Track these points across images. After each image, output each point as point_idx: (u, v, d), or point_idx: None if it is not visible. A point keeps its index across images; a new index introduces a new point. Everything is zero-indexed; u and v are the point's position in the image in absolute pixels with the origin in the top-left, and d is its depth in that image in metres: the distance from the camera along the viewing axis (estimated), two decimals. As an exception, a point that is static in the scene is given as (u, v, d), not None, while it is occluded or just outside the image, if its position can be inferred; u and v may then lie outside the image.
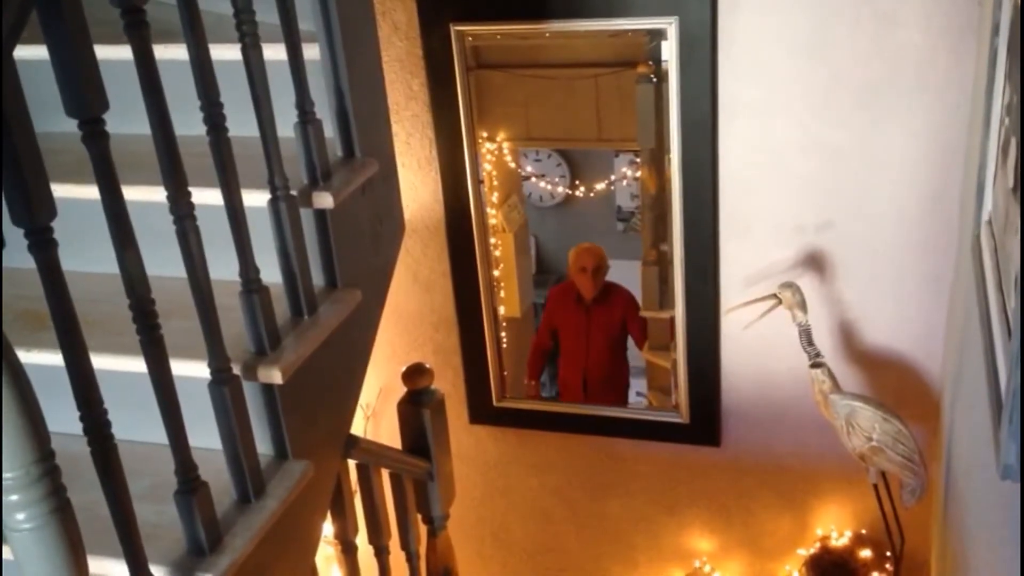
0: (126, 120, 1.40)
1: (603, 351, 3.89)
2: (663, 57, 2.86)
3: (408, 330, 3.38)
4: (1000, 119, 1.73)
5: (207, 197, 1.44)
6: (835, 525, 3.23)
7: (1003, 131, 1.65)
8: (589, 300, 3.84)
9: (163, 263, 1.45)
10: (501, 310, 3.41)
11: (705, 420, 3.18)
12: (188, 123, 1.41)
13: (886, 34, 2.54)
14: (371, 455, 1.88)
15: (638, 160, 4.07)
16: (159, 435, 1.48)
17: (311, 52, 1.66)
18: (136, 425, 1.49)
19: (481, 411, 3.42)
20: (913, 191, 2.69)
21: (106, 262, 1.32)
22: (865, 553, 3.15)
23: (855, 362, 2.92)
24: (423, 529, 2.21)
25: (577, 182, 5.15)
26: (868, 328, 2.89)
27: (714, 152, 2.78)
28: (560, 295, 4.02)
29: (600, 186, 4.83)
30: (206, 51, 1.37)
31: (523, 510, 3.60)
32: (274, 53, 1.57)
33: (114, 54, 1.41)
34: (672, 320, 3.14)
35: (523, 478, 3.54)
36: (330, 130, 1.71)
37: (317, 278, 1.68)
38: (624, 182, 4.80)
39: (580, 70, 4.12)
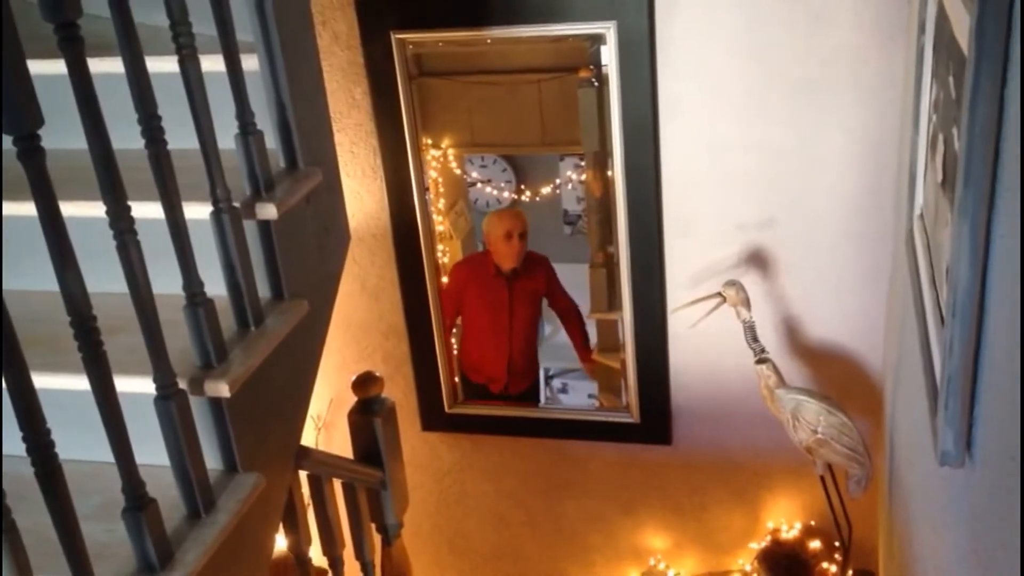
0: (65, 135, 1.38)
1: (528, 328, 3.64)
2: (603, 61, 2.90)
3: (357, 339, 3.37)
4: (928, 115, 1.78)
5: (149, 211, 1.43)
6: (785, 518, 3.29)
7: (931, 127, 1.70)
8: (509, 271, 3.59)
9: (107, 279, 1.44)
10: (450, 316, 3.42)
11: (656, 419, 3.21)
12: (128, 137, 1.40)
13: (819, 34, 2.60)
14: (323, 466, 1.87)
15: (583, 163, 4.10)
16: (106, 453, 1.47)
17: (250, 63, 1.66)
18: (82, 444, 1.47)
19: (433, 418, 3.42)
20: (850, 186, 2.75)
21: (46, 279, 1.30)
22: (815, 544, 3.20)
23: (799, 357, 2.98)
24: (377, 539, 2.21)
25: (523, 187, 5.17)
26: (811, 323, 2.95)
27: (656, 153, 2.81)
28: (472, 270, 3.68)
29: (546, 190, 4.85)
30: (142, 64, 1.36)
31: (479, 516, 3.61)
32: (213, 64, 1.56)
33: (49, 69, 1.39)
34: (621, 321, 3.17)
35: (478, 483, 3.54)
36: (272, 141, 1.71)
37: (263, 290, 1.67)
38: (569, 186, 4.83)
39: (523, 76, 4.14)
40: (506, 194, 5.21)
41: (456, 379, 3.46)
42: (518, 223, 3.64)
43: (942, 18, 1.58)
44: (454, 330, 3.59)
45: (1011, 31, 1.08)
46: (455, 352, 3.49)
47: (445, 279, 3.40)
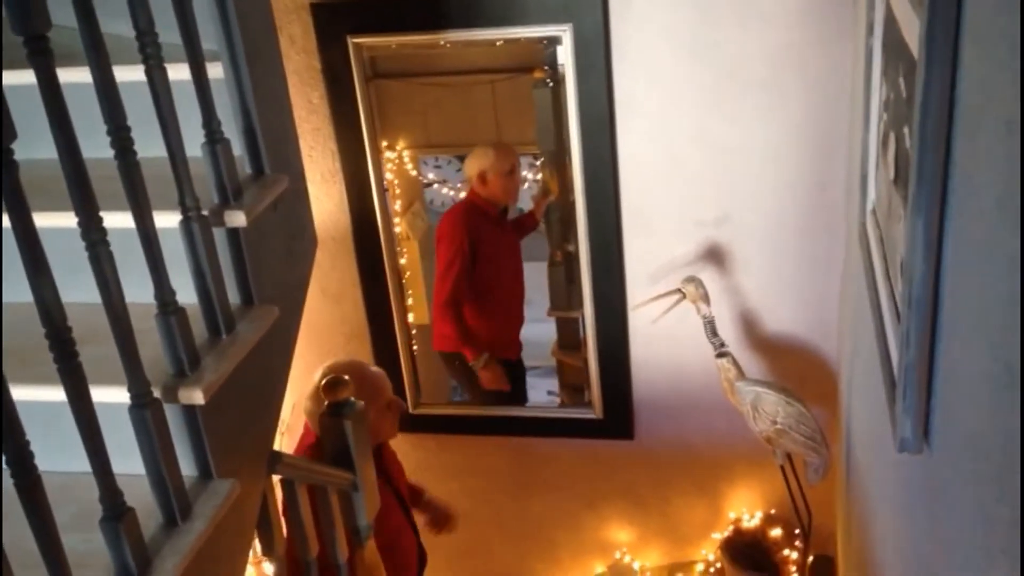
0: (33, 146, 1.38)
1: (522, 276, 3.40)
2: (560, 62, 2.93)
3: (319, 343, 3.37)
4: (879, 114, 1.84)
5: (119, 220, 1.43)
6: (746, 507, 3.36)
7: (882, 126, 1.76)
8: (502, 210, 3.37)
9: (70, 289, 1.43)
10: (410, 317, 3.43)
11: (618, 414, 3.26)
12: (96, 146, 1.40)
13: (769, 34, 2.66)
14: (295, 470, 1.88)
15: (538, 163, 4.14)
16: (77, 464, 1.47)
17: (216, 71, 1.66)
18: (52, 455, 1.46)
19: (398, 419, 3.42)
20: (801, 182, 2.82)
21: (18, 291, 1.30)
22: (776, 532, 3.28)
23: (757, 350, 3.04)
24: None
25: (479, 186, 5.19)
26: (768, 316, 3.02)
27: (614, 152, 2.86)
28: (472, 218, 3.40)
29: (502, 189, 4.86)
30: (111, 77, 1.36)
31: (444, 515, 3.63)
32: (179, 73, 1.56)
33: (17, 79, 1.38)
34: (581, 319, 3.22)
35: (443, 483, 3.56)
36: (238, 148, 1.71)
37: (233, 296, 1.68)
38: (526, 185, 4.86)
39: (477, 76, 4.17)
40: (463, 194, 5.23)
41: (419, 379, 3.47)
42: (515, 155, 3.43)
43: (890, 21, 1.63)
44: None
45: (959, 36, 1.13)
46: (415, 353, 3.48)
47: (403, 279, 3.41)
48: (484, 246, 3.40)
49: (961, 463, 1.18)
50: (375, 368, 2.52)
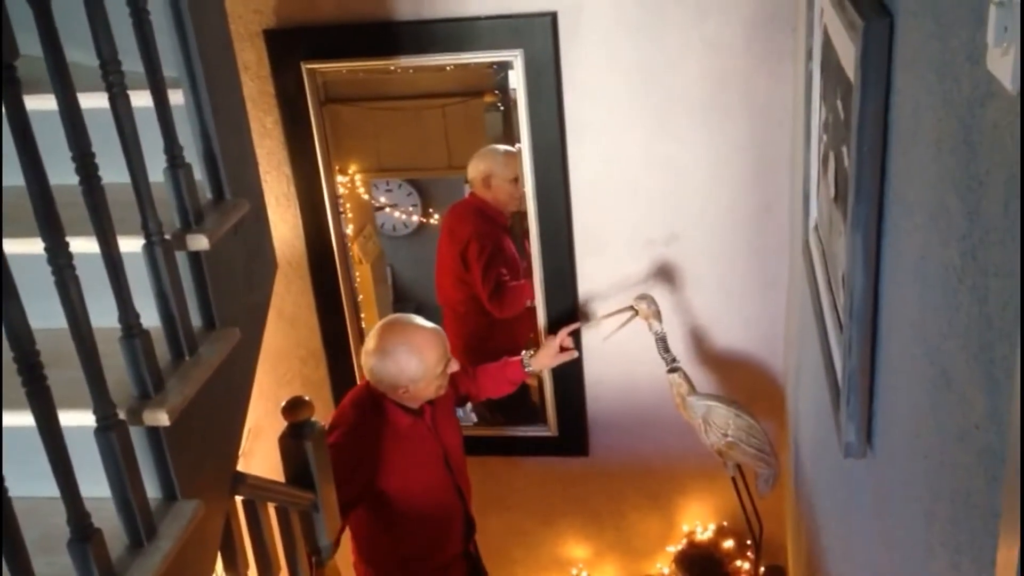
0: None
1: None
2: (511, 86, 2.99)
3: (275, 367, 3.38)
4: (819, 135, 1.92)
5: (84, 245, 1.45)
6: (699, 520, 3.42)
7: (822, 146, 1.85)
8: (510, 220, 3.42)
9: (38, 316, 1.45)
10: (366, 341, 3.44)
11: (573, 431, 3.31)
12: (61, 172, 1.42)
13: (713, 58, 2.75)
14: (258, 490, 1.90)
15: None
16: (39, 488, 1.49)
17: (176, 98, 1.69)
18: (12, 480, 1.47)
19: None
20: (746, 202, 2.91)
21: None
22: (728, 543, 3.35)
23: (708, 365, 3.12)
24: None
25: (431, 210, 5.24)
26: (717, 332, 3.09)
27: (565, 174, 2.92)
28: (481, 224, 3.40)
29: (454, 212, 4.91)
30: (75, 102, 1.39)
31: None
32: (139, 100, 1.59)
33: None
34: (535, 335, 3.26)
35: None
36: (199, 172, 1.74)
37: (195, 319, 1.70)
38: (477, 207, 4.90)
39: (428, 101, 4.22)
40: (415, 218, 5.27)
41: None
42: (519, 162, 3.21)
43: (828, 46, 1.72)
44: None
45: (892, 61, 1.20)
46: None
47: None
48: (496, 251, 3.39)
49: (902, 464, 1.24)
50: (428, 326, 2.61)
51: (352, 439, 2.54)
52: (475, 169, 3.49)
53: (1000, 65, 0.71)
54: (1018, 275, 0.71)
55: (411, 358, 2.52)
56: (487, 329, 3.47)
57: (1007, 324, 0.77)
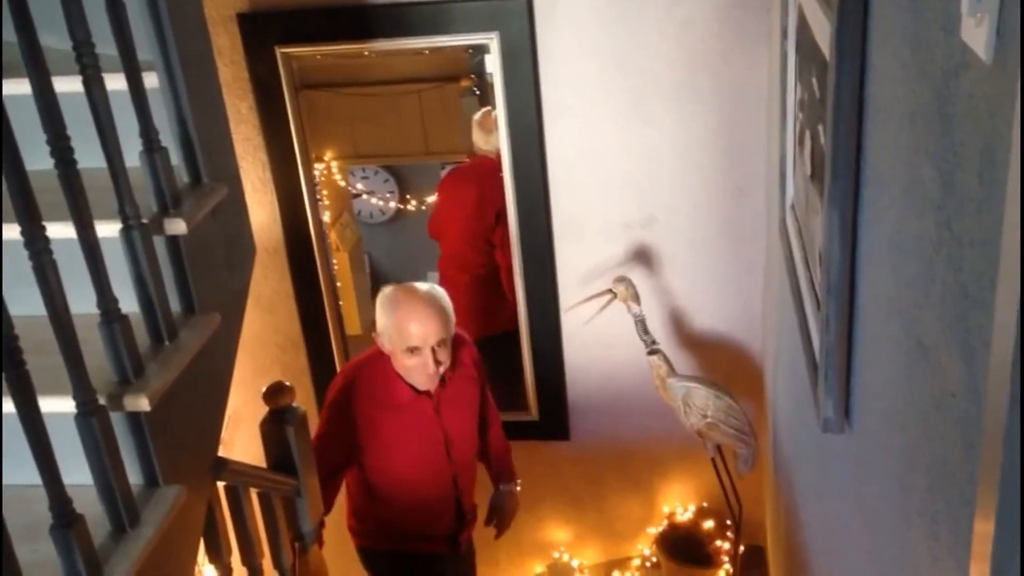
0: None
1: None
2: (487, 70, 2.99)
3: (253, 354, 3.36)
4: (795, 114, 1.93)
5: (61, 231, 1.44)
6: (680, 501, 3.45)
7: (798, 125, 1.86)
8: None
9: (16, 302, 1.44)
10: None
11: (554, 415, 3.32)
12: (38, 157, 1.40)
13: (687, 40, 2.76)
14: (241, 476, 1.89)
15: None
16: (16, 476, 1.48)
17: (151, 81, 1.68)
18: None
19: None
20: (723, 182, 2.93)
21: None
22: (708, 524, 3.38)
23: (687, 346, 3.13)
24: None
25: (408, 196, 5.23)
26: (695, 313, 3.11)
27: (543, 158, 2.92)
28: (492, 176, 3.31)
29: (431, 198, 4.93)
30: (50, 86, 1.37)
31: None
32: (114, 84, 1.57)
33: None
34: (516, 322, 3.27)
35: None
36: (175, 157, 1.73)
37: (175, 304, 1.69)
38: (455, 192, 4.90)
39: (404, 86, 4.21)
40: (392, 204, 5.26)
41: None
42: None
43: (803, 25, 1.73)
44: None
45: (867, 37, 1.21)
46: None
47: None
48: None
49: (879, 436, 1.26)
50: (431, 299, 2.45)
51: (343, 396, 2.50)
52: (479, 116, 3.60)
53: (975, 35, 0.72)
54: (996, 243, 0.72)
55: (390, 317, 2.42)
56: (501, 298, 3.46)
57: (983, 293, 0.78)
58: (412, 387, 2.51)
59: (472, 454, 2.78)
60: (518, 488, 3.01)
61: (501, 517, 2.97)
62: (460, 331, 2.62)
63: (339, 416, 2.50)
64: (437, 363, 2.43)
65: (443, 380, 2.53)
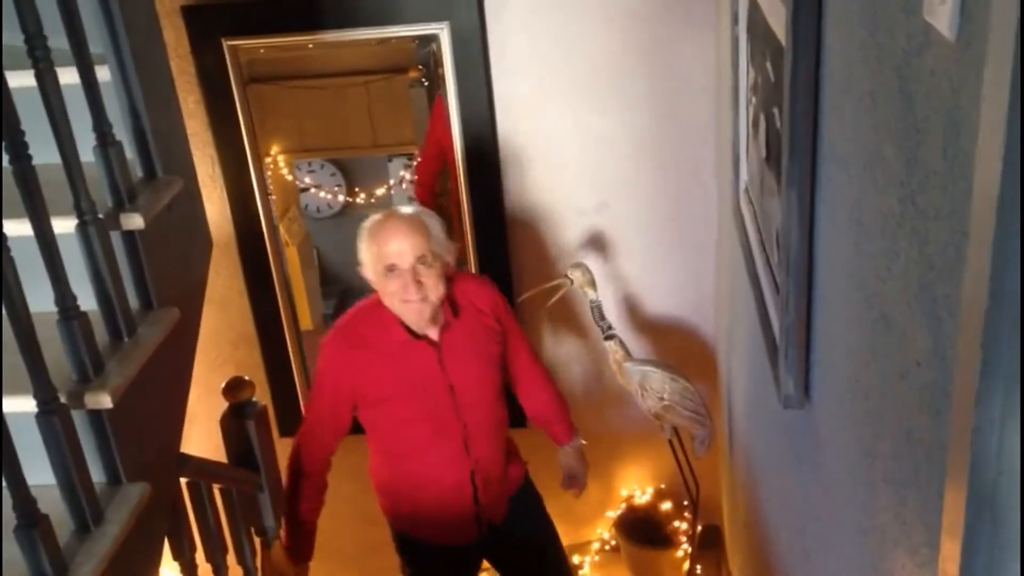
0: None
1: None
2: (435, 60, 2.98)
3: (206, 351, 3.31)
4: (747, 99, 1.97)
5: (15, 228, 1.42)
6: (637, 484, 3.49)
7: (751, 109, 1.89)
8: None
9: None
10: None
11: (510, 404, 3.32)
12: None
13: (635, 28, 2.78)
14: (203, 472, 1.88)
15: (414, 163, 4.18)
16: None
17: (103, 74, 1.65)
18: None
19: (290, 423, 3.40)
20: (673, 168, 2.96)
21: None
22: (666, 505, 3.42)
23: (642, 331, 3.17)
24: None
25: (356, 189, 5.20)
26: (649, 298, 3.15)
27: (495, 146, 2.93)
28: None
29: (380, 191, 4.91)
30: (3, 81, 1.35)
31: (344, 516, 3.61)
32: (65, 78, 1.55)
33: None
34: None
35: (343, 484, 3.55)
36: (129, 150, 1.70)
37: (133, 300, 1.67)
38: (403, 185, 4.89)
39: (351, 78, 4.18)
40: (340, 198, 5.22)
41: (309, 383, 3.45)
42: None
43: (755, 9, 1.76)
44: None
45: (822, 20, 1.24)
46: (305, 358, 3.46)
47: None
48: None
49: (842, 408, 1.29)
50: (405, 214, 2.21)
51: (333, 345, 2.27)
52: None
53: (939, 14, 0.74)
54: (963, 215, 0.74)
55: (367, 239, 2.16)
56: None
57: (949, 264, 0.81)
58: (410, 330, 2.22)
59: (492, 415, 2.45)
60: (583, 442, 2.86)
61: (573, 476, 2.85)
62: (483, 278, 2.49)
63: (331, 369, 2.25)
64: (419, 283, 2.12)
65: (447, 325, 2.26)
